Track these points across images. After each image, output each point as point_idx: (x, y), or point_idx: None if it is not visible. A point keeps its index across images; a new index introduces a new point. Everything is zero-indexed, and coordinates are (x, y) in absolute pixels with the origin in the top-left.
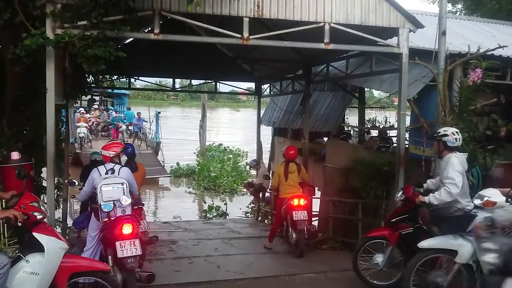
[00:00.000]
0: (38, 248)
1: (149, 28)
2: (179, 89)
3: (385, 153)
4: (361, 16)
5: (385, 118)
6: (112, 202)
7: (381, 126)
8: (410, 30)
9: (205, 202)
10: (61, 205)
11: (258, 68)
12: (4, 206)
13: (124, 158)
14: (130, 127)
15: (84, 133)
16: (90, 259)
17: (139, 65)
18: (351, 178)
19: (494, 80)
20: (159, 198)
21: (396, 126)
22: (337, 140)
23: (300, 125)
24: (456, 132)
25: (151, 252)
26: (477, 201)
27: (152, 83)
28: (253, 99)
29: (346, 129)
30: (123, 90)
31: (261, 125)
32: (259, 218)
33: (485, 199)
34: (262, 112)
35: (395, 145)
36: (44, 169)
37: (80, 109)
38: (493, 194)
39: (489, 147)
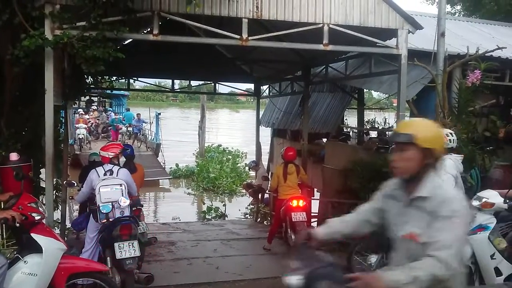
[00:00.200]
0: (36, 249)
1: (148, 29)
2: (178, 90)
3: (384, 154)
4: (360, 17)
5: (384, 119)
6: (110, 203)
7: (380, 127)
8: (409, 31)
9: (204, 203)
10: (60, 206)
11: (257, 69)
12: (2, 208)
13: (122, 159)
14: (130, 129)
15: (83, 134)
16: (88, 260)
17: (138, 66)
18: (350, 179)
19: (493, 81)
20: (159, 199)
21: (395, 127)
22: (336, 141)
23: (299, 126)
24: (451, 133)
25: (150, 253)
26: (476, 203)
27: (151, 84)
28: (252, 100)
29: (345, 130)
30: (122, 91)
31: (260, 126)
32: (258, 219)
33: (483, 200)
34: (261, 113)
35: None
36: (42, 170)
37: (79, 110)
38: (491, 196)
39: (488, 148)
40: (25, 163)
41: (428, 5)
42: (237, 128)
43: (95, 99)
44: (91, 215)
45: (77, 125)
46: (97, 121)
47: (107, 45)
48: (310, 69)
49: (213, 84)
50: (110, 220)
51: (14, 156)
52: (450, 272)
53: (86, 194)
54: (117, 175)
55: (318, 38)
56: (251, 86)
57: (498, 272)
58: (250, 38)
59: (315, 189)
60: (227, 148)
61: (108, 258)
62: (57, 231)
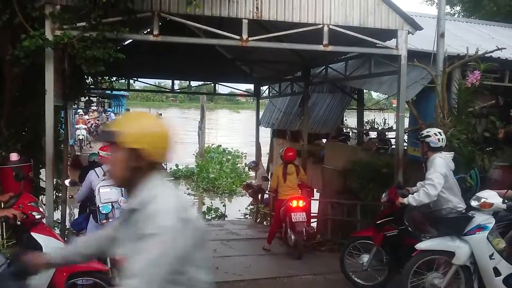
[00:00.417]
0: (36, 248)
1: (148, 30)
2: (178, 90)
3: (384, 155)
4: (360, 18)
5: (383, 120)
6: (110, 203)
7: (379, 128)
8: (409, 32)
9: (204, 204)
10: (60, 206)
11: (257, 70)
12: (2, 207)
13: None
14: None
15: (83, 135)
16: None
17: (138, 66)
18: (349, 179)
19: (493, 82)
20: None
21: (394, 127)
22: (335, 141)
23: (299, 126)
24: (439, 132)
25: None
26: (474, 203)
27: (151, 84)
28: (252, 100)
29: (344, 130)
30: (121, 92)
31: (260, 127)
32: (258, 220)
33: (482, 200)
34: (261, 113)
35: (393, 146)
36: (42, 170)
37: (79, 110)
38: (490, 196)
39: (487, 149)
40: (26, 163)
41: (427, 6)
42: (237, 128)
43: (94, 99)
44: (91, 215)
45: (77, 126)
46: (97, 121)
47: (107, 45)
48: (310, 70)
49: (213, 84)
50: (110, 220)
51: (14, 157)
52: None
53: (84, 193)
54: None
55: (318, 39)
56: (250, 86)
57: (497, 272)
58: (250, 38)
59: (315, 190)
60: (227, 148)
61: (108, 258)
62: (57, 231)
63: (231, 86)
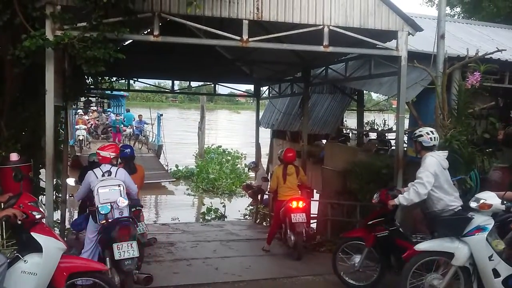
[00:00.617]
0: (36, 248)
1: (149, 30)
2: (178, 90)
3: (384, 156)
4: (360, 19)
5: (383, 121)
6: (109, 204)
7: (379, 129)
8: (409, 33)
9: (203, 204)
10: (60, 206)
11: (257, 70)
12: (2, 207)
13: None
14: (130, 130)
15: (83, 135)
16: (88, 260)
17: (138, 66)
18: (349, 180)
19: (492, 83)
20: (165, 203)
21: (394, 128)
22: (335, 142)
23: (298, 127)
24: (431, 131)
25: (150, 254)
26: (474, 204)
27: (151, 84)
28: (251, 101)
29: (344, 131)
30: (121, 92)
31: (259, 127)
32: (258, 220)
33: (481, 201)
34: (261, 114)
35: (393, 147)
36: (42, 171)
37: (79, 111)
38: (489, 197)
39: (487, 150)
40: (26, 164)
41: (427, 7)
42: (237, 129)
43: (93, 99)
44: (90, 216)
45: (77, 126)
46: (97, 122)
47: (107, 46)
48: (310, 71)
49: (212, 85)
50: (109, 221)
51: (14, 157)
52: None
53: (83, 193)
54: (115, 176)
55: (318, 40)
56: (250, 87)
57: (496, 273)
58: (250, 39)
59: (315, 190)
60: (227, 149)
61: (107, 258)
62: (56, 231)
63: (231, 87)
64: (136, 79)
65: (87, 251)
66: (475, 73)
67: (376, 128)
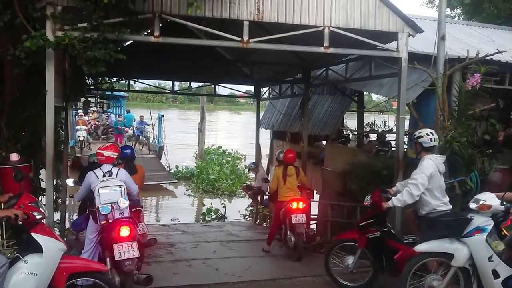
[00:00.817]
0: (37, 248)
1: (149, 31)
2: (178, 91)
3: (384, 157)
4: (361, 20)
5: (383, 122)
6: (109, 204)
7: (379, 130)
8: (410, 34)
9: (204, 205)
10: (60, 207)
11: (257, 71)
12: (3, 208)
13: None
14: (131, 131)
15: (84, 136)
16: (88, 260)
17: (139, 67)
18: (349, 181)
19: (493, 85)
20: (161, 203)
21: (395, 130)
22: (335, 143)
23: (299, 128)
24: (431, 132)
25: (150, 255)
26: (473, 205)
27: (151, 85)
28: (252, 102)
29: (344, 132)
30: (121, 92)
31: (260, 128)
32: (258, 221)
33: (481, 202)
34: (261, 115)
35: (393, 149)
36: (42, 171)
37: (79, 111)
38: (489, 198)
39: (487, 151)
40: (26, 164)
41: (428, 9)
42: (237, 130)
43: (92, 100)
44: (91, 216)
45: (77, 127)
46: (97, 122)
47: (108, 46)
48: (310, 72)
49: (213, 85)
50: (110, 221)
51: (14, 157)
52: None
53: (83, 194)
54: (116, 176)
55: (318, 41)
56: (251, 88)
57: (495, 274)
58: (250, 40)
59: (315, 191)
60: (227, 150)
61: (108, 259)
62: (56, 231)
63: (231, 88)
64: (136, 79)
65: (87, 251)
66: (475, 74)
67: (376, 129)
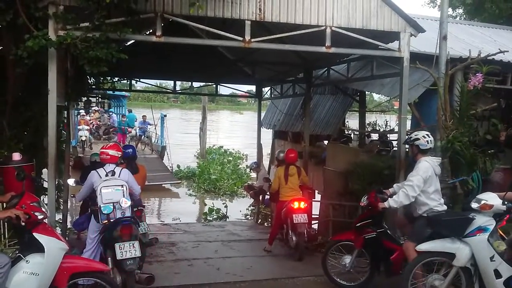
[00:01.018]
0: (38, 248)
1: (151, 30)
2: (180, 91)
3: (385, 157)
4: (363, 20)
5: (385, 122)
6: (111, 204)
7: (381, 130)
8: (411, 34)
9: (205, 205)
10: (62, 206)
11: (259, 71)
12: (4, 208)
13: None
14: (133, 131)
15: (86, 136)
16: (90, 260)
17: (140, 67)
18: (351, 181)
19: (495, 84)
20: (162, 201)
21: (396, 130)
22: (337, 143)
23: (300, 128)
24: (427, 134)
25: (151, 254)
26: (475, 205)
27: (152, 85)
28: (253, 101)
29: (346, 132)
30: (122, 92)
31: (261, 128)
32: (259, 221)
33: (482, 202)
34: (262, 114)
35: (395, 149)
36: (44, 170)
37: (81, 111)
38: (490, 198)
39: (489, 151)
40: (28, 163)
41: (430, 8)
42: (238, 129)
43: (93, 99)
44: (93, 215)
45: (79, 127)
46: (99, 122)
47: (110, 46)
48: (312, 71)
49: (214, 85)
50: (111, 220)
51: (16, 156)
52: None
53: (85, 193)
54: (119, 176)
55: (320, 41)
56: (252, 87)
57: (497, 274)
58: (252, 40)
59: (316, 191)
60: (228, 149)
61: (109, 258)
62: (58, 231)
63: (233, 87)
64: (138, 79)
65: (89, 250)
66: (477, 74)
67: (378, 129)
